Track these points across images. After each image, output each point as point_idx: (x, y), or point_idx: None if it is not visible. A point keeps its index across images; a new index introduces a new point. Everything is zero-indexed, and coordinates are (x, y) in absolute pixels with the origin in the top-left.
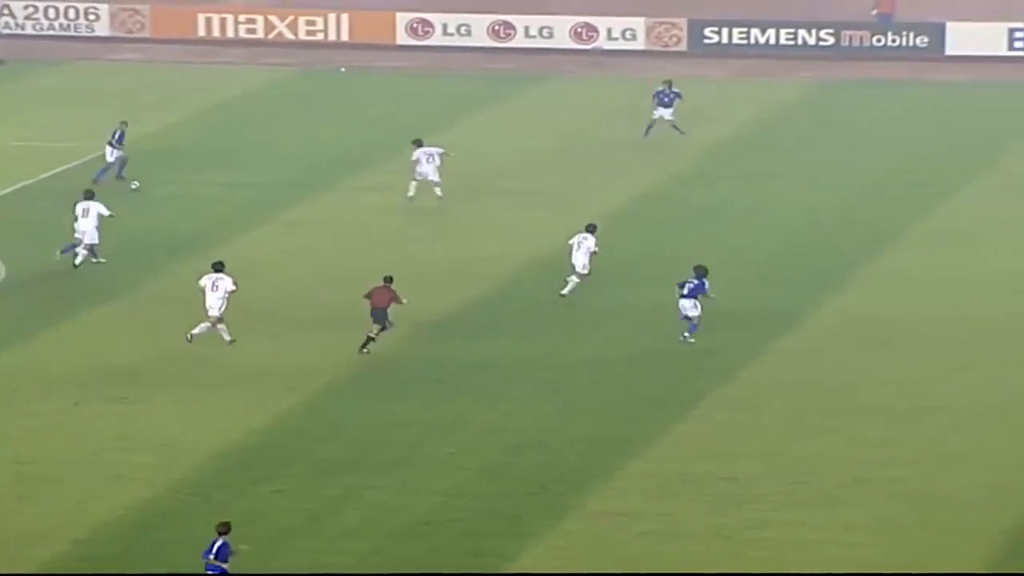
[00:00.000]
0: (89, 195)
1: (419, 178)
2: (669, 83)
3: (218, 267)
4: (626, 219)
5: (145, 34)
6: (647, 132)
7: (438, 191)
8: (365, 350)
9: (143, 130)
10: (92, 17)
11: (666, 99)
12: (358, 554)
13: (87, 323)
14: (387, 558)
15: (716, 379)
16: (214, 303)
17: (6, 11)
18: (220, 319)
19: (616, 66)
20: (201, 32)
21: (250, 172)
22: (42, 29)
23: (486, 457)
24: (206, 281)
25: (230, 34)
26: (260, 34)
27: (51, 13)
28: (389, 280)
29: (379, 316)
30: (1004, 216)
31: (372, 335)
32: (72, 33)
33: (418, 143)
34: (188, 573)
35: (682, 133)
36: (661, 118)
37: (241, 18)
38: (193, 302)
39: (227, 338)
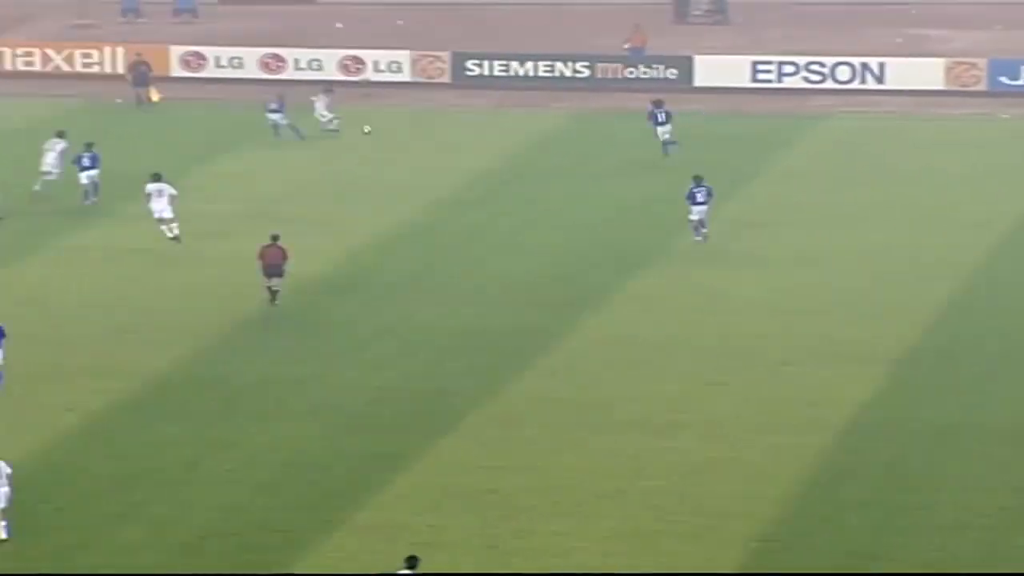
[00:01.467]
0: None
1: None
2: (660, 102)
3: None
4: (395, 243)
5: None
6: (666, 150)
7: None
8: (276, 302)
9: None
10: None
11: (661, 118)
12: (138, 567)
13: None
14: (170, 571)
15: (480, 396)
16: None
17: None
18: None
19: (383, 97)
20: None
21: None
22: None
23: (262, 473)
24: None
25: (7, 67)
26: (38, 67)
27: None
28: (276, 238)
29: (274, 271)
30: (748, 241)
31: (274, 287)
32: None
33: (156, 177)
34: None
35: (675, 143)
36: (661, 135)
37: (19, 51)
38: None
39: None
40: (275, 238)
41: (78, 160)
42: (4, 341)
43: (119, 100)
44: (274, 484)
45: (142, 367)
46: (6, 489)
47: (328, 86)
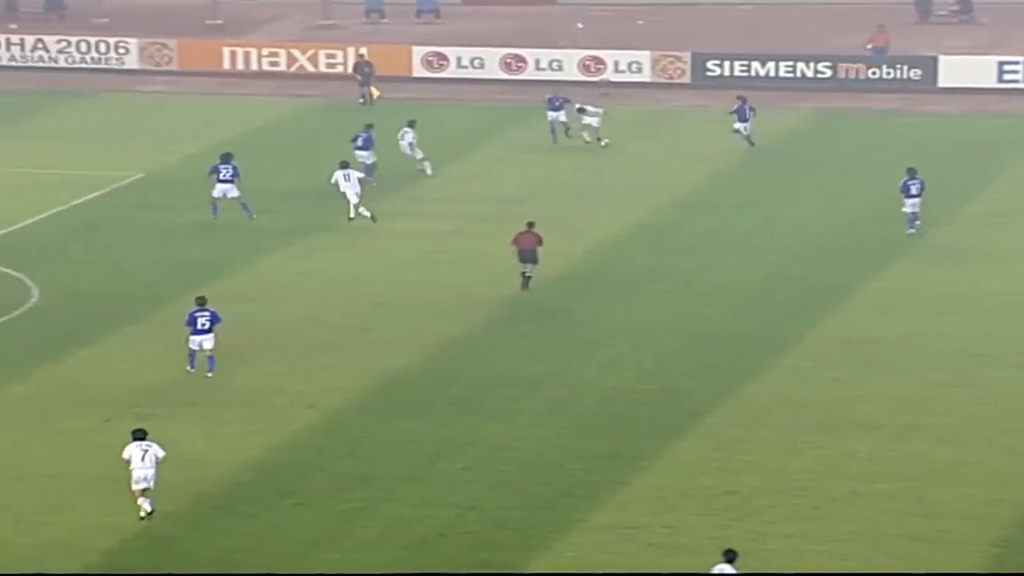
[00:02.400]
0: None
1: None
2: (743, 99)
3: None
4: (630, 244)
5: (173, 67)
6: (752, 145)
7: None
8: (528, 289)
9: (170, 159)
10: (122, 51)
11: (744, 114)
12: (376, 565)
13: (115, 343)
14: (404, 568)
15: (716, 397)
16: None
17: (40, 45)
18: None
19: (622, 97)
20: (226, 65)
21: (271, 199)
22: (74, 62)
23: (497, 472)
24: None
25: (253, 67)
26: (282, 66)
27: (83, 47)
28: (532, 224)
29: (528, 256)
30: (992, 241)
31: (528, 273)
32: (103, 66)
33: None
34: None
35: (752, 146)
36: (740, 131)
37: (264, 51)
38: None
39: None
40: (531, 224)
41: (353, 139)
42: (217, 327)
43: (362, 100)
44: (510, 483)
45: (380, 365)
46: (153, 471)
47: (413, 120)
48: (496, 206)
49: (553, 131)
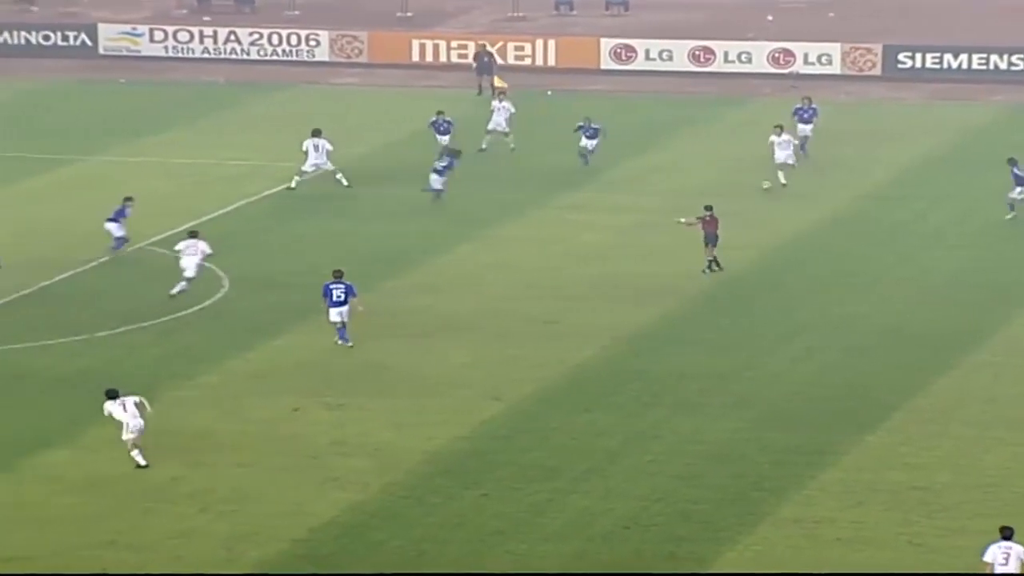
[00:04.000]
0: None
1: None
2: (808, 99)
3: (193, 233)
4: (820, 237)
5: (363, 59)
6: (802, 148)
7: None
8: (718, 267)
9: (359, 151)
10: (313, 43)
11: (806, 115)
12: (562, 556)
13: (304, 333)
14: (590, 561)
15: (906, 392)
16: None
17: (232, 37)
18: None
19: (812, 90)
20: (415, 57)
21: (458, 190)
22: (266, 55)
23: (683, 465)
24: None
25: (443, 58)
26: (471, 59)
27: (274, 39)
28: (710, 208)
29: (713, 239)
30: None
31: (713, 257)
32: (294, 58)
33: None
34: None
35: (804, 156)
36: (803, 134)
37: (453, 44)
38: (401, 314)
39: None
40: (709, 208)
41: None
42: (353, 300)
43: (549, 92)
44: (696, 475)
45: (567, 357)
46: (140, 422)
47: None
48: (683, 199)
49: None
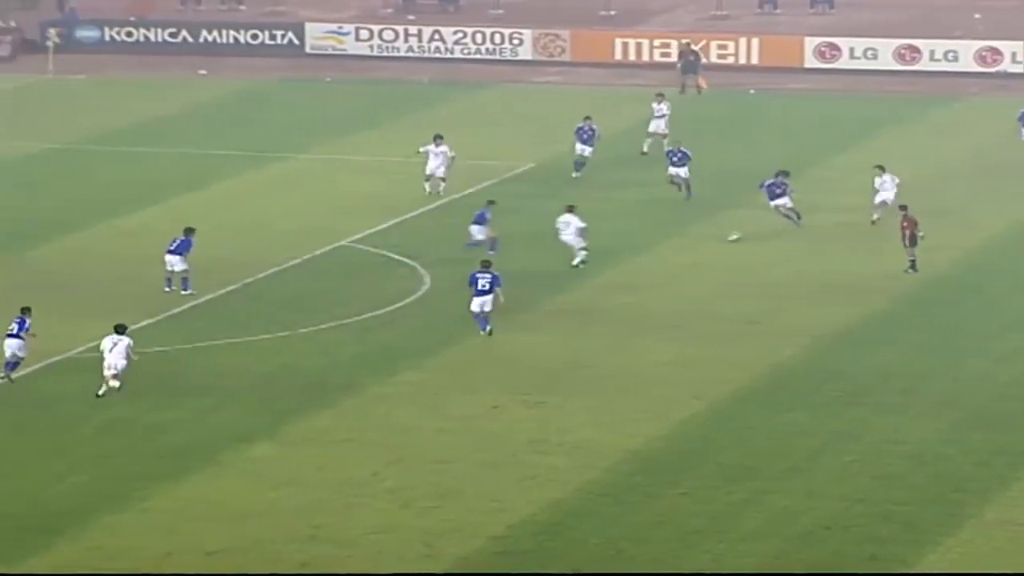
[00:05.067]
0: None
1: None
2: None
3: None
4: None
5: (565, 57)
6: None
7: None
8: (913, 270)
9: (560, 149)
10: (516, 42)
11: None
12: (760, 556)
13: (505, 330)
14: (789, 561)
15: None
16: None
17: (437, 36)
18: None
19: (1020, 89)
20: (618, 56)
21: (661, 189)
22: (469, 53)
23: (884, 465)
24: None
25: (645, 57)
26: (675, 57)
27: (478, 38)
28: (905, 208)
29: (911, 240)
30: None
31: (914, 258)
32: (497, 57)
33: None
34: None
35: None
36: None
37: (656, 42)
38: (599, 313)
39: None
40: (904, 208)
41: (668, 154)
42: (497, 290)
43: (752, 91)
44: (897, 476)
45: (767, 357)
46: (124, 361)
47: (661, 93)
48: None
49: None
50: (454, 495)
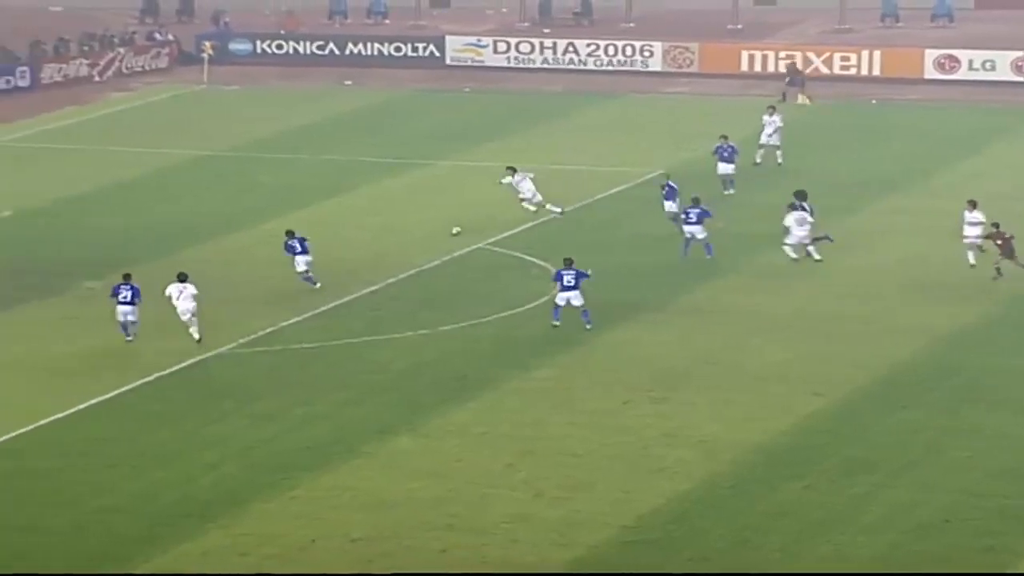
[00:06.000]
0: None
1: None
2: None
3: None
4: None
5: (694, 69)
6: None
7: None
8: (998, 274)
9: (688, 157)
10: (647, 54)
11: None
12: (877, 548)
13: (635, 330)
14: (905, 553)
15: None
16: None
17: (571, 49)
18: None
19: None
20: (744, 67)
21: (782, 195)
22: (602, 65)
23: (1003, 461)
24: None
25: (771, 69)
26: (785, 71)
27: (610, 50)
28: (996, 225)
29: (1008, 252)
30: None
31: (998, 265)
32: (628, 68)
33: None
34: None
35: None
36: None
37: (781, 54)
38: (718, 313)
39: None
40: (996, 225)
41: (719, 151)
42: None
43: (873, 101)
44: (1012, 472)
45: (886, 355)
46: (193, 304)
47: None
48: (1002, 203)
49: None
50: (585, 486)
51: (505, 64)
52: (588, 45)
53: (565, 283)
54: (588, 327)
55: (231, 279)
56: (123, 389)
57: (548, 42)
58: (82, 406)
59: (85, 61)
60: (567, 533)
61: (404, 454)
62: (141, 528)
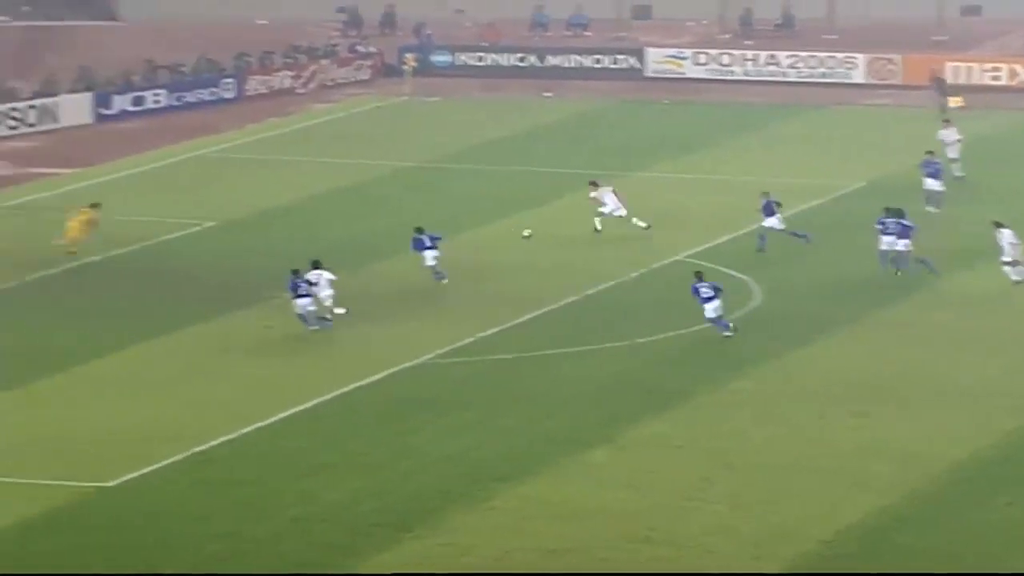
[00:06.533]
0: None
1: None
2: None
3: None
4: None
5: (896, 81)
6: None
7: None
8: None
9: (891, 170)
10: (849, 65)
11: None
12: None
13: (833, 344)
14: None
15: None
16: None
17: (772, 60)
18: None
19: None
20: (948, 79)
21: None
22: (803, 77)
23: None
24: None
25: (975, 81)
26: (1004, 80)
27: (812, 62)
28: None
29: None
30: None
31: None
32: (830, 80)
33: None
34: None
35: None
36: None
37: (987, 66)
38: (921, 326)
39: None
40: None
41: (925, 166)
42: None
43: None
44: None
45: None
46: (328, 292)
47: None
48: None
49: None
50: (783, 499)
51: (705, 76)
52: (789, 56)
53: (703, 295)
54: (728, 334)
55: (428, 290)
56: (322, 399)
57: (749, 53)
58: (283, 415)
59: (289, 73)
60: (765, 546)
61: (599, 466)
62: (339, 538)
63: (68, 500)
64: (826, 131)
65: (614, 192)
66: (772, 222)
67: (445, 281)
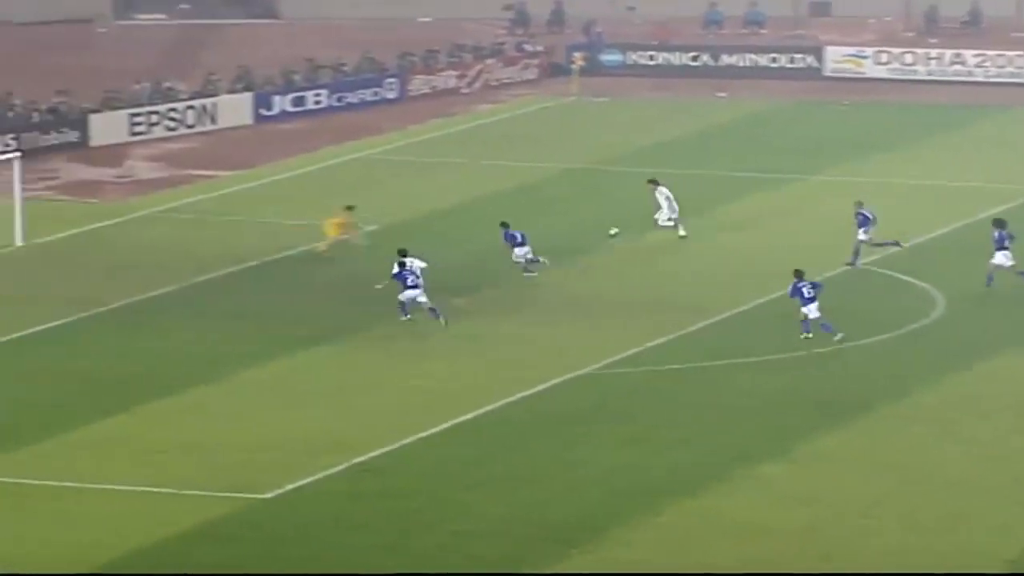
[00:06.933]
0: None
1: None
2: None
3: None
4: None
5: None
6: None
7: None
8: None
9: None
10: None
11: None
12: None
13: (1016, 357)
14: None
15: None
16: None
17: (958, 59)
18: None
19: None
20: None
21: None
22: (991, 76)
23: None
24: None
25: None
26: None
27: (1000, 61)
28: None
29: None
30: None
31: None
32: (1019, 80)
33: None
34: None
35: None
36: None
37: None
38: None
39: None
40: None
41: None
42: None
43: None
44: None
45: None
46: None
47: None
48: None
49: None
50: (966, 518)
51: (887, 75)
52: (976, 55)
53: (806, 296)
54: (836, 337)
55: (594, 296)
56: (484, 409)
57: (934, 52)
58: (444, 426)
59: (453, 73)
60: (947, 566)
61: (772, 480)
62: (501, 552)
63: (225, 511)
64: (1014, 133)
65: (668, 195)
66: (863, 234)
67: (535, 274)
